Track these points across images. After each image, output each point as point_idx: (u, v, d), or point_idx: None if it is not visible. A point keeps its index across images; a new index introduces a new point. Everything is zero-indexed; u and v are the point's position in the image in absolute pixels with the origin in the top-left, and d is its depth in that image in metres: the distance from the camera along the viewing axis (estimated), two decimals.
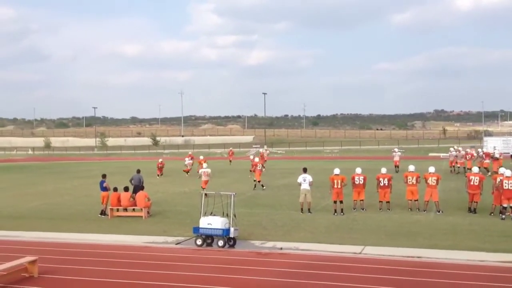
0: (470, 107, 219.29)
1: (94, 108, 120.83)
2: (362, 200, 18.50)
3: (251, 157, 28.77)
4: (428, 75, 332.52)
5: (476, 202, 17.44)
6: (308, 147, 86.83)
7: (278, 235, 14.71)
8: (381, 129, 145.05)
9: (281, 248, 13.12)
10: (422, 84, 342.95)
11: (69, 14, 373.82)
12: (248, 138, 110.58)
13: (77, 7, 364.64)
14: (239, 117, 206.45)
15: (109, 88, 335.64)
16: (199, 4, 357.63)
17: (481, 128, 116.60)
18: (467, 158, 31.37)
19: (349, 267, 11.19)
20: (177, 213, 19.16)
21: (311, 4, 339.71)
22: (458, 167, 32.14)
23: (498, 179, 16.86)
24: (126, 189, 19.20)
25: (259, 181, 26.21)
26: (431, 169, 18.42)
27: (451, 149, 34.93)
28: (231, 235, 13.37)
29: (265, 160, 44.51)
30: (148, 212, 18.39)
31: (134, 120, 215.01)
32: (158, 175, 33.80)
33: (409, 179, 18.29)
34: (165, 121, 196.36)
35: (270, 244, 13.63)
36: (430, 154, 58.64)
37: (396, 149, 37.31)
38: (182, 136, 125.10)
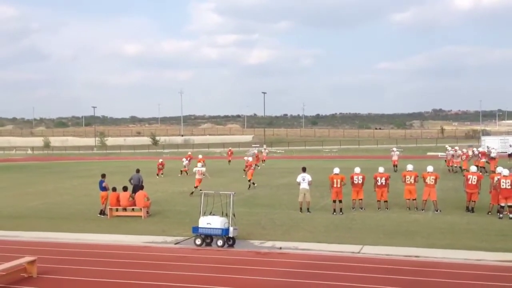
0: (468, 107, 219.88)
1: (94, 107, 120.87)
2: (361, 199, 18.55)
3: (245, 158, 28.88)
4: (427, 74, 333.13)
5: (474, 201, 17.49)
6: (307, 146, 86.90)
7: (277, 234, 14.75)
8: (380, 129, 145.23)
9: (280, 248, 13.16)
10: (421, 83, 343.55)
11: (70, 14, 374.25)
12: (248, 138, 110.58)
13: (78, 7, 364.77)
14: (238, 116, 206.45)
15: (108, 88, 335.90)
16: (199, 3, 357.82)
17: (479, 127, 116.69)
18: (463, 159, 31.41)
19: (348, 266, 11.24)
20: (176, 212, 19.19)
21: (312, 4, 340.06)
22: (455, 166, 32.22)
23: (496, 178, 16.91)
24: (125, 188, 19.23)
25: (248, 180, 26.42)
26: (429, 169, 18.47)
27: (448, 148, 35.01)
28: (230, 235, 13.40)
29: (264, 160, 44.70)
30: (147, 211, 18.42)
31: (134, 120, 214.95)
32: (157, 175, 33.78)
33: (408, 178, 18.35)
34: (164, 120, 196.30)
35: (269, 243, 13.67)
36: (428, 154, 58.69)
37: (394, 149, 37.38)
38: (182, 135, 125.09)
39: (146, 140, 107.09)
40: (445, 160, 35.26)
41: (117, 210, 18.69)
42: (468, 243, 13.09)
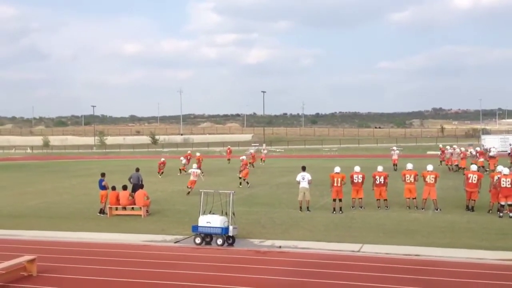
0: (468, 106, 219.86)
1: (93, 106, 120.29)
2: (361, 198, 18.54)
3: (241, 157, 28.98)
4: (427, 74, 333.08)
5: (474, 200, 17.48)
6: (307, 145, 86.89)
7: (277, 233, 14.74)
8: (380, 128, 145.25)
9: (280, 247, 13.15)
10: (421, 82, 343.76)
11: (69, 14, 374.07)
12: (247, 137, 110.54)
13: (77, 7, 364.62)
14: (238, 115, 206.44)
15: (108, 87, 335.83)
16: (198, 3, 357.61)
17: (479, 126, 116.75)
18: (461, 158, 31.39)
19: (348, 265, 11.22)
20: (176, 211, 19.18)
21: (311, 4, 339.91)
22: (455, 165, 32.21)
23: (496, 177, 16.90)
24: (124, 187, 19.21)
25: (240, 177, 26.64)
26: (429, 167, 18.47)
27: (447, 147, 35.06)
28: (230, 234, 13.39)
29: (263, 159, 44.67)
30: (147, 210, 18.40)
31: (133, 119, 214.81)
32: (159, 174, 33.53)
33: (407, 177, 18.34)
34: (164, 119, 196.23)
35: (269, 242, 13.66)
36: (428, 153, 58.65)
37: (394, 148, 37.37)
38: (181, 134, 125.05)
39: (146, 139, 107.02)
40: (440, 160, 35.24)
41: (116, 209, 18.67)
42: (468, 242, 13.08)
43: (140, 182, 20.60)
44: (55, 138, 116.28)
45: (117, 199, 18.64)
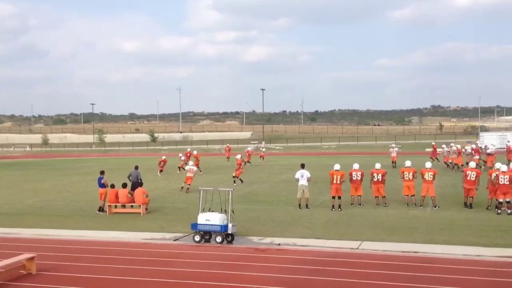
0: (467, 103, 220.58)
1: (92, 104, 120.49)
2: (360, 195, 18.56)
3: (236, 156, 29.10)
4: (426, 71, 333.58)
5: (472, 197, 17.52)
6: (306, 143, 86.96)
7: (276, 231, 14.76)
8: (379, 125, 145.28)
9: (279, 244, 13.17)
10: (420, 80, 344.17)
11: (68, 11, 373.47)
12: (246, 134, 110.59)
13: (76, 3, 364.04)
14: (237, 113, 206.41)
15: (107, 85, 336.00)
16: (198, 0, 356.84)
17: (477, 123, 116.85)
18: (458, 155, 31.38)
19: (347, 262, 11.25)
20: (175, 209, 19.19)
21: (310, 1, 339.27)
22: (451, 162, 32.23)
23: (494, 174, 16.93)
24: (124, 185, 19.20)
25: (234, 176, 26.80)
26: (428, 165, 18.50)
27: (443, 146, 35.24)
28: (229, 231, 13.41)
29: (262, 157, 44.72)
30: (146, 208, 18.41)
31: (132, 117, 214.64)
32: (160, 171, 33.38)
33: (406, 174, 18.36)
34: (163, 117, 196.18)
35: (268, 240, 13.68)
36: (427, 150, 58.63)
37: (393, 145, 37.42)
38: (180, 132, 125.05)
39: (145, 137, 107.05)
40: (430, 156, 35.21)
41: (116, 207, 18.68)
42: (467, 239, 13.12)
43: (139, 180, 20.61)
44: (54, 136, 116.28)
45: (116, 197, 18.65)
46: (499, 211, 16.31)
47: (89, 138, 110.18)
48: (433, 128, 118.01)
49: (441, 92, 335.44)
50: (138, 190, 18.68)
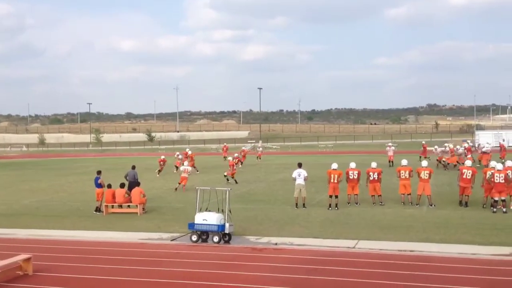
0: (462, 101, 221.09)
1: (89, 104, 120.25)
2: (356, 194, 18.61)
3: (229, 158, 29.27)
4: (422, 69, 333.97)
5: (467, 195, 17.59)
6: (303, 142, 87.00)
7: (273, 230, 14.79)
8: (375, 124, 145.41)
9: (276, 244, 13.20)
10: (416, 78, 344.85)
11: (65, 10, 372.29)
12: (243, 133, 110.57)
13: (73, 2, 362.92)
14: (234, 112, 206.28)
15: (104, 84, 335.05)
16: None
17: (473, 122, 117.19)
18: (451, 155, 31.50)
19: (343, 261, 11.29)
20: (172, 209, 19.20)
21: (307, 0, 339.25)
22: (444, 161, 32.33)
23: (489, 173, 17.01)
24: (122, 185, 19.18)
25: (225, 175, 26.88)
26: (424, 163, 18.58)
27: (436, 146, 35.46)
28: (226, 231, 13.43)
29: (259, 156, 44.75)
30: (143, 208, 18.41)
31: (129, 116, 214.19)
32: (160, 171, 33.07)
33: (402, 173, 18.42)
34: (160, 116, 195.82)
35: (265, 239, 13.71)
36: (429, 148, 58.83)
37: (390, 144, 37.51)
38: (178, 131, 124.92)
39: (142, 136, 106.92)
40: (420, 155, 35.26)
41: (112, 207, 18.67)
42: (463, 237, 13.18)
43: (136, 180, 20.59)
44: (51, 136, 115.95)
45: (113, 197, 18.63)
46: (494, 209, 16.38)
47: (86, 137, 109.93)
48: (429, 127, 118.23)
49: (437, 90, 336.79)
50: (135, 190, 18.67)
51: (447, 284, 9.48)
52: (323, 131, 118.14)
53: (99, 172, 19.66)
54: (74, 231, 15.59)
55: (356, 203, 18.58)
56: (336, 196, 17.94)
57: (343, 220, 15.95)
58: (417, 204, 18.00)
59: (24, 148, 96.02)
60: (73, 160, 56.30)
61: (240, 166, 35.75)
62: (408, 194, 18.34)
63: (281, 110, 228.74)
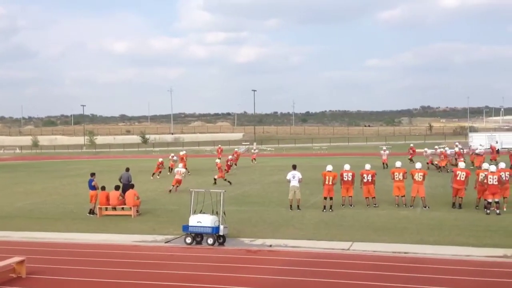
0: (456, 103, 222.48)
1: (83, 106, 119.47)
2: (351, 196, 18.65)
3: (216, 160, 29.39)
4: (415, 71, 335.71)
5: (461, 197, 17.68)
6: (297, 144, 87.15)
7: (268, 232, 14.79)
8: (369, 126, 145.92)
9: (270, 246, 13.20)
10: (409, 80, 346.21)
11: (58, 11, 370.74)
12: (238, 135, 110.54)
13: (66, 4, 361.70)
14: (228, 114, 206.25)
15: (98, 86, 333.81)
16: (188, 0, 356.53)
17: (466, 124, 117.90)
18: (441, 158, 31.65)
19: (338, 263, 11.31)
20: (166, 211, 19.15)
21: (301, 1, 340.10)
22: (436, 164, 32.47)
23: (483, 175, 17.10)
24: (117, 187, 19.12)
25: (214, 179, 26.91)
26: (418, 165, 18.67)
27: (426, 149, 35.71)
28: (221, 233, 13.41)
29: (254, 158, 44.73)
30: (137, 210, 18.35)
31: (123, 118, 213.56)
32: (157, 173, 32.81)
33: (396, 175, 18.48)
34: (154, 118, 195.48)
35: (259, 241, 13.70)
36: (417, 151, 59.06)
37: (384, 148, 37.68)
38: (172, 133, 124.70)
39: (136, 138, 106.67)
40: (409, 158, 35.35)
41: (106, 209, 18.59)
42: (456, 239, 13.24)
43: (130, 182, 20.52)
44: (44, 138, 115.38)
45: (107, 199, 18.56)
46: (488, 211, 16.47)
47: (80, 140, 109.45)
48: (422, 129, 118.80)
49: (430, 92, 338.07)
50: (129, 192, 18.61)
51: (441, 285, 9.52)
52: (317, 133, 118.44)
53: (93, 174, 19.60)
54: (67, 233, 15.51)
55: (351, 205, 18.62)
56: (331, 198, 17.96)
57: (337, 222, 15.98)
58: (411, 206, 18.07)
59: (18, 150, 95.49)
60: (67, 162, 56.03)
61: (235, 166, 35.75)
62: (402, 196, 18.40)
63: (275, 112, 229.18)
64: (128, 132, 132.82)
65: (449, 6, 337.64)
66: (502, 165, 17.97)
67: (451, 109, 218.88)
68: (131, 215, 18.03)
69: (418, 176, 17.99)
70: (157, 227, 16.00)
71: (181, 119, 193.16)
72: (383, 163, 34.04)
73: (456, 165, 28.30)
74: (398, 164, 19.08)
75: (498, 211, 16.35)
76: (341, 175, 18.56)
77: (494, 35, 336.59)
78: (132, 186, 19.49)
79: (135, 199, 18.32)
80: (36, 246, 13.77)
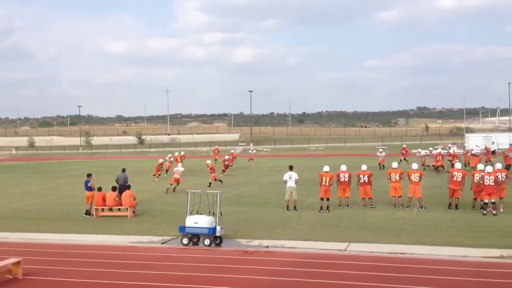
0: (452, 104, 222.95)
1: (79, 106, 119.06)
2: (347, 197, 18.66)
3: (208, 161, 29.48)
4: (412, 72, 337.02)
5: (457, 198, 17.71)
6: (294, 144, 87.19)
7: (264, 233, 14.78)
8: (366, 126, 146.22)
9: (267, 246, 13.19)
10: (406, 81, 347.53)
11: (54, 12, 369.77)
12: (234, 136, 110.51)
13: (62, 4, 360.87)
14: (225, 115, 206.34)
15: (94, 86, 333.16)
16: (184, 1, 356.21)
17: (462, 125, 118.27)
18: (438, 159, 31.71)
19: (334, 264, 11.31)
20: (162, 212, 19.12)
21: (298, 2, 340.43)
22: (433, 165, 32.50)
23: (479, 175, 17.15)
24: (114, 188, 19.06)
25: (210, 182, 26.74)
26: (414, 166, 18.71)
27: (419, 149, 35.79)
28: (217, 234, 13.39)
29: (251, 159, 44.74)
30: (133, 211, 18.31)
31: (120, 119, 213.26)
32: (157, 175, 32.65)
33: (393, 176, 18.51)
34: (151, 119, 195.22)
35: (256, 242, 13.69)
36: (413, 151, 59.20)
37: (381, 149, 37.73)
38: (168, 134, 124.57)
39: (132, 139, 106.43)
40: (401, 159, 35.46)
41: (103, 210, 18.54)
42: (453, 240, 13.26)
43: (127, 183, 20.47)
44: (40, 139, 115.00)
45: (104, 200, 18.52)
46: (484, 212, 16.51)
47: (76, 140, 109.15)
48: (419, 130, 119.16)
49: (426, 93, 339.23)
50: (126, 193, 18.57)
51: (437, 286, 9.53)
52: (314, 133, 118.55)
53: (89, 175, 19.54)
54: (64, 234, 15.45)
55: (347, 206, 18.63)
56: (328, 199, 17.98)
57: (334, 223, 15.99)
58: (407, 207, 18.10)
59: (14, 151, 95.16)
60: (63, 163, 55.86)
61: (231, 166, 35.73)
62: (398, 197, 18.43)
63: (272, 113, 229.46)
64: (124, 133, 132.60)
65: (446, 7, 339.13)
66: (498, 166, 18.04)
67: (448, 110, 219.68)
68: (127, 216, 17.98)
69: (414, 177, 18.02)
70: (153, 228, 15.97)
71: (178, 120, 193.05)
72: (379, 164, 34.10)
73: (453, 166, 28.43)
74: (395, 164, 19.12)
75: (494, 212, 16.39)
76: (338, 175, 18.58)
77: (491, 36, 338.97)
78: (128, 187, 19.43)
79: (131, 200, 18.27)
80: (32, 247, 13.72)
